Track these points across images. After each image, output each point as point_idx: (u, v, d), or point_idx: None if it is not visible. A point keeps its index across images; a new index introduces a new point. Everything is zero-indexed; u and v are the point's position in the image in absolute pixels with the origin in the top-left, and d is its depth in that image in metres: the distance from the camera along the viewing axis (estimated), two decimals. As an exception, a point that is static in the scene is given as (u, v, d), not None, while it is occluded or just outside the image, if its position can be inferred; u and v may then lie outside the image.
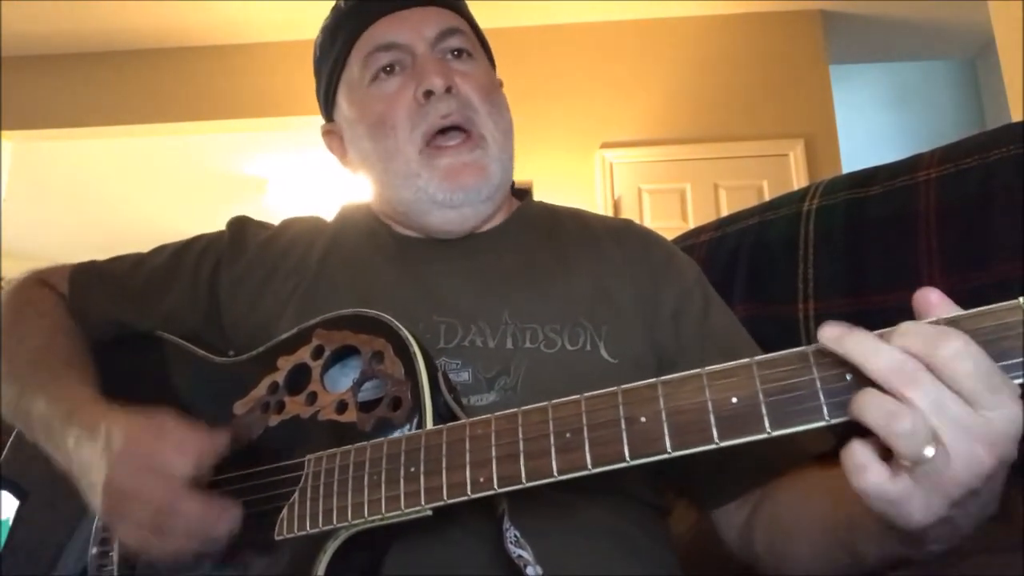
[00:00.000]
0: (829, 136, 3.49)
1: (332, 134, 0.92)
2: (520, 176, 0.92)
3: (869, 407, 0.43)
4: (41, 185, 4.79)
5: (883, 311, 0.86)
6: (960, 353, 0.42)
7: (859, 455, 0.44)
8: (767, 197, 1.14)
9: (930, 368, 0.42)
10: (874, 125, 4.29)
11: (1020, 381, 0.43)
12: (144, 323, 0.86)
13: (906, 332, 0.44)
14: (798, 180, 3.36)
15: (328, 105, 0.91)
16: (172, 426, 0.65)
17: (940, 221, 0.85)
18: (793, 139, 3.46)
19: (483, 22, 0.92)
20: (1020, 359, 0.42)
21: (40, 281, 0.91)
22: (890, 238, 0.89)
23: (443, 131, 0.80)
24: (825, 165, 3.39)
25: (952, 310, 0.45)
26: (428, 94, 0.79)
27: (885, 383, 0.43)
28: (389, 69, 0.83)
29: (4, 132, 3.74)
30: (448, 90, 0.79)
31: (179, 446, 0.63)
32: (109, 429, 0.66)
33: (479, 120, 0.81)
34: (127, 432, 0.65)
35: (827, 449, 0.68)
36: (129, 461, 0.63)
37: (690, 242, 1.13)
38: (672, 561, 0.75)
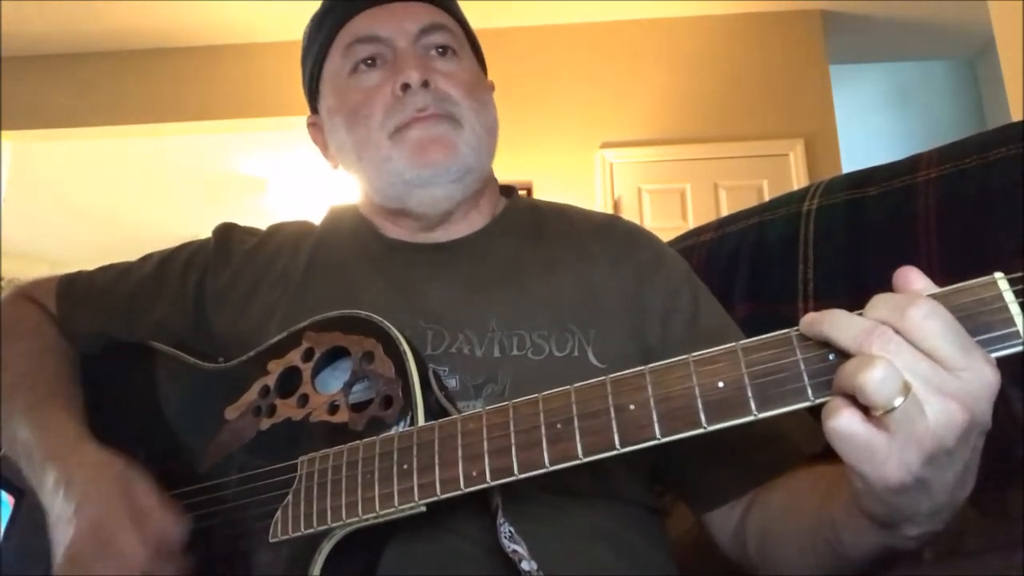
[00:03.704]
0: (829, 136, 3.49)
1: (316, 126, 0.91)
2: (520, 176, 0.91)
3: (843, 369, 0.44)
4: (41, 185, 4.79)
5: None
6: (927, 314, 0.43)
7: (834, 402, 0.45)
8: (767, 197, 1.14)
9: (900, 332, 0.43)
10: (874, 125, 4.29)
11: (998, 354, 0.43)
12: (132, 334, 0.85)
13: (875, 303, 0.45)
14: (798, 180, 3.36)
15: (312, 96, 0.91)
16: (143, 508, 0.65)
17: (940, 221, 0.85)
18: (793, 139, 3.46)
19: (482, 22, 0.92)
20: (997, 332, 0.43)
21: (26, 297, 0.90)
22: (890, 238, 0.89)
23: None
24: (825, 165, 3.39)
25: (933, 290, 0.46)
26: (405, 87, 0.78)
27: (857, 349, 0.44)
28: (370, 62, 0.82)
29: (4, 132, 3.74)
30: (425, 84, 0.79)
31: (143, 535, 0.63)
32: (83, 493, 0.66)
33: (458, 111, 0.80)
34: (97, 506, 0.65)
35: (818, 450, 0.67)
36: (88, 542, 0.64)
37: (691, 242, 1.13)
38: (668, 563, 0.75)
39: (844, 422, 0.44)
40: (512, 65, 3.30)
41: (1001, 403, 0.51)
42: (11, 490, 0.81)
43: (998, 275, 0.44)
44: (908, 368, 0.42)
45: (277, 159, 4.63)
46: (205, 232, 0.94)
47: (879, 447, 0.43)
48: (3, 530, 0.79)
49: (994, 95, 3.99)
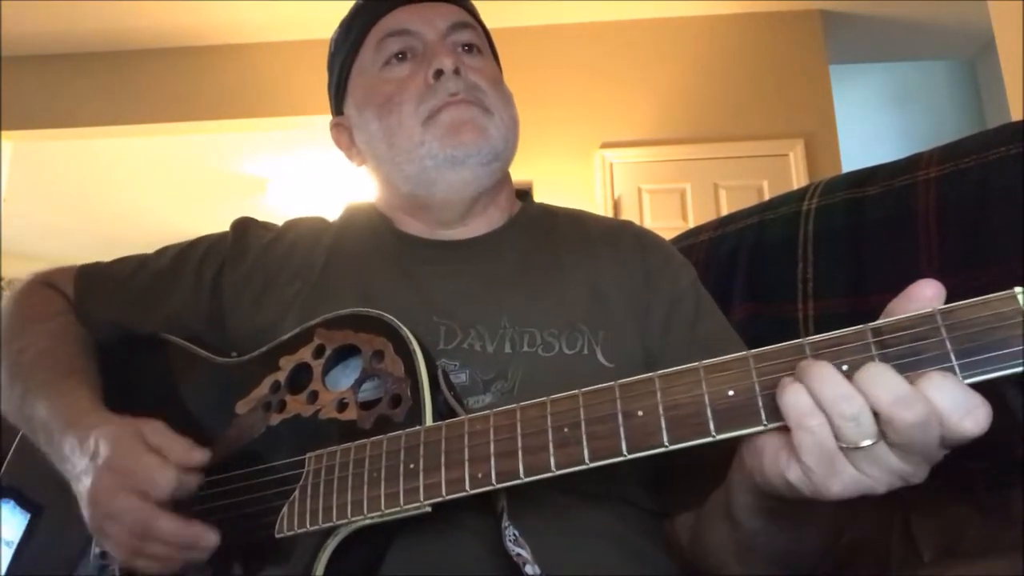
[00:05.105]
0: (829, 136, 3.49)
1: (340, 127, 0.92)
2: (520, 176, 0.92)
3: (823, 397, 0.46)
4: (41, 185, 4.79)
5: (882, 311, 0.86)
6: (914, 424, 0.43)
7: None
8: (767, 197, 1.14)
9: (880, 419, 0.45)
10: (874, 125, 4.29)
11: (1016, 370, 0.43)
12: (147, 326, 0.86)
13: (877, 379, 0.45)
14: (798, 180, 3.35)
15: (338, 97, 0.92)
16: (159, 440, 0.66)
17: (939, 220, 0.85)
18: (793, 139, 3.46)
19: (485, 22, 0.93)
20: (1015, 348, 0.43)
21: (45, 283, 0.91)
22: (889, 238, 0.89)
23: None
24: (825, 165, 3.39)
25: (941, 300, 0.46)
26: (438, 74, 0.81)
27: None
28: (401, 56, 0.85)
29: (4, 132, 3.74)
30: (457, 72, 0.81)
31: (161, 464, 0.64)
32: (98, 440, 0.67)
33: (487, 100, 0.83)
34: (113, 445, 0.66)
35: None
36: (110, 477, 0.64)
37: (690, 242, 1.13)
38: (672, 564, 0.75)
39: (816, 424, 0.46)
40: (512, 65, 3.29)
41: (1001, 403, 0.51)
42: (28, 506, 0.81)
43: (1018, 289, 0.43)
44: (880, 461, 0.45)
45: (278, 159, 4.63)
46: (206, 232, 0.94)
47: (838, 463, 0.46)
48: (15, 545, 0.79)
49: (994, 95, 3.99)
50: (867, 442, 0.44)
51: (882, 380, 0.44)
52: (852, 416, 0.44)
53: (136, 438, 0.66)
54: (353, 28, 0.89)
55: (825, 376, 0.45)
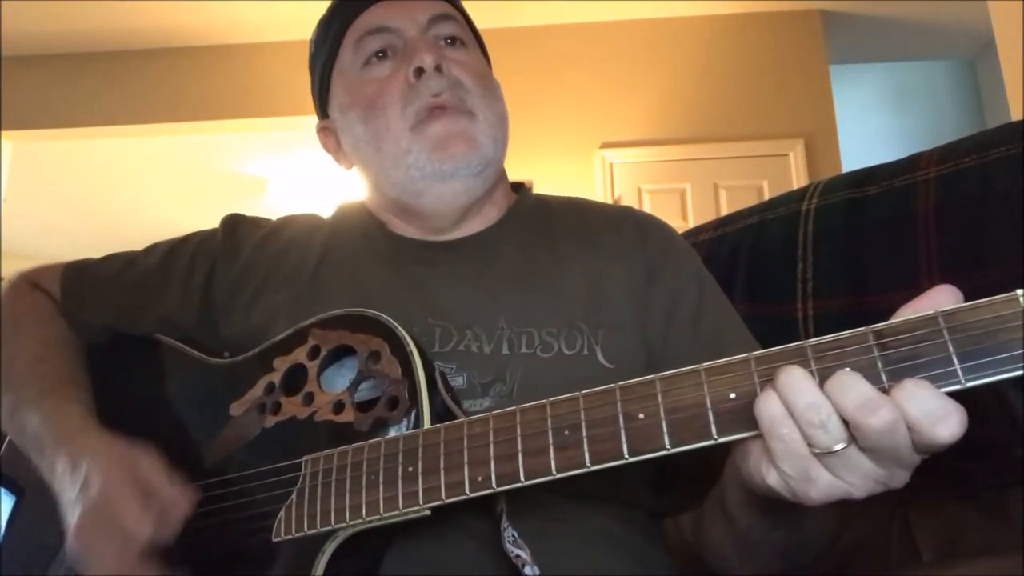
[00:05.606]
0: (829, 136, 3.49)
1: (326, 131, 0.90)
2: (520, 176, 0.91)
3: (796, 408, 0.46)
4: (41, 185, 4.79)
5: (881, 311, 0.86)
6: (886, 429, 0.44)
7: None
8: (767, 197, 1.14)
9: (850, 426, 0.45)
10: (874, 125, 4.29)
11: (1017, 374, 0.43)
12: (137, 327, 0.85)
13: (847, 387, 0.45)
14: (798, 180, 3.36)
15: (322, 100, 0.90)
16: (150, 478, 0.65)
17: (939, 220, 0.85)
18: (793, 139, 3.46)
19: (483, 22, 0.92)
20: (1017, 351, 0.42)
21: (33, 285, 0.90)
22: (889, 237, 0.89)
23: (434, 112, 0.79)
24: (825, 165, 3.39)
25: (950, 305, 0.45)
26: (419, 72, 0.79)
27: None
28: (381, 54, 0.82)
29: (4, 132, 3.74)
30: (438, 68, 0.79)
31: (142, 515, 0.63)
32: (89, 469, 0.66)
33: (471, 100, 0.80)
34: (103, 479, 0.65)
35: None
36: (94, 518, 0.64)
37: (690, 241, 1.13)
38: (672, 565, 0.75)
39: (785, 431, 0.46)
40: (512, 65, 3.29)
41: (1001, 404, 0.51)
42: (13, 489, 0.80)
43: (1020, 292, 0.43)
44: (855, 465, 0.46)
45: (278, 159, 4.63)
46: (205, 233, 0.93)
47: (812, 469, 0.46)
48: (4, 528, 0.79)
49: (994, 95, 3.99)
50: (838, 446, 0.44)
51: (849, 387, 0.44)
52: (820, 423, 0.44)
53: (126, 473, 0.65)
54: (331, 28, 0.86)
55: (794, 384, 0.45)
